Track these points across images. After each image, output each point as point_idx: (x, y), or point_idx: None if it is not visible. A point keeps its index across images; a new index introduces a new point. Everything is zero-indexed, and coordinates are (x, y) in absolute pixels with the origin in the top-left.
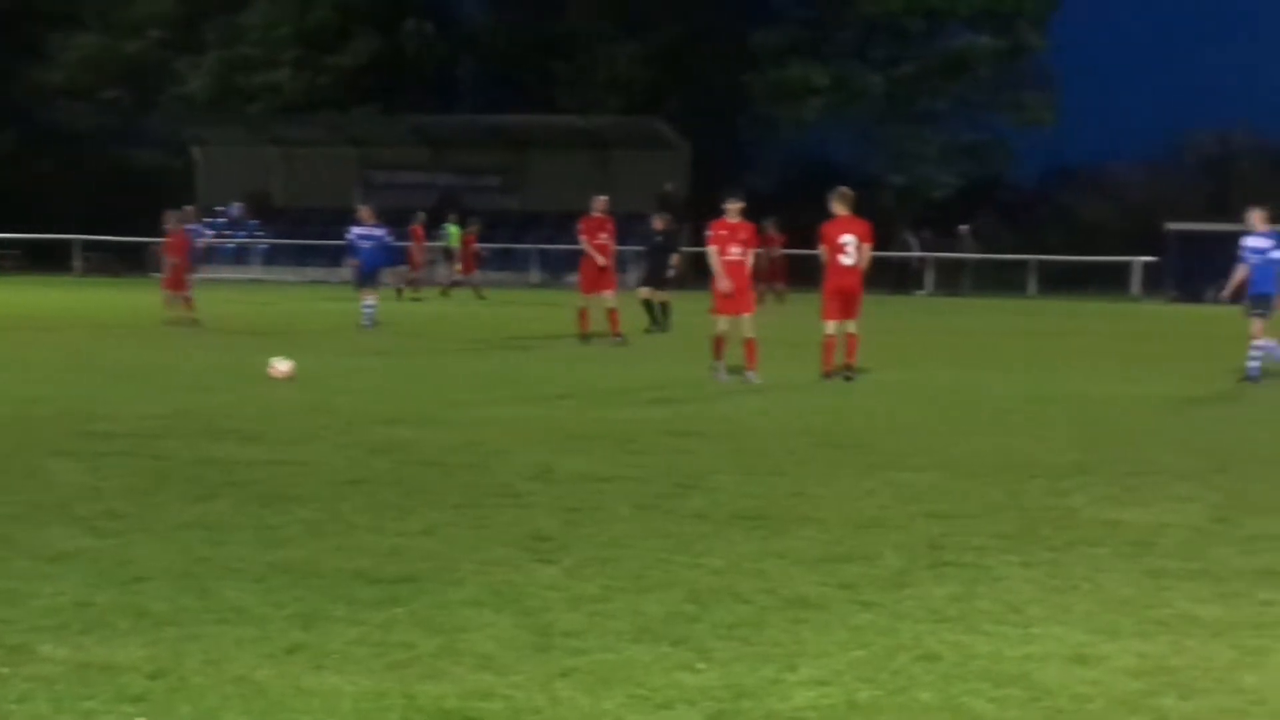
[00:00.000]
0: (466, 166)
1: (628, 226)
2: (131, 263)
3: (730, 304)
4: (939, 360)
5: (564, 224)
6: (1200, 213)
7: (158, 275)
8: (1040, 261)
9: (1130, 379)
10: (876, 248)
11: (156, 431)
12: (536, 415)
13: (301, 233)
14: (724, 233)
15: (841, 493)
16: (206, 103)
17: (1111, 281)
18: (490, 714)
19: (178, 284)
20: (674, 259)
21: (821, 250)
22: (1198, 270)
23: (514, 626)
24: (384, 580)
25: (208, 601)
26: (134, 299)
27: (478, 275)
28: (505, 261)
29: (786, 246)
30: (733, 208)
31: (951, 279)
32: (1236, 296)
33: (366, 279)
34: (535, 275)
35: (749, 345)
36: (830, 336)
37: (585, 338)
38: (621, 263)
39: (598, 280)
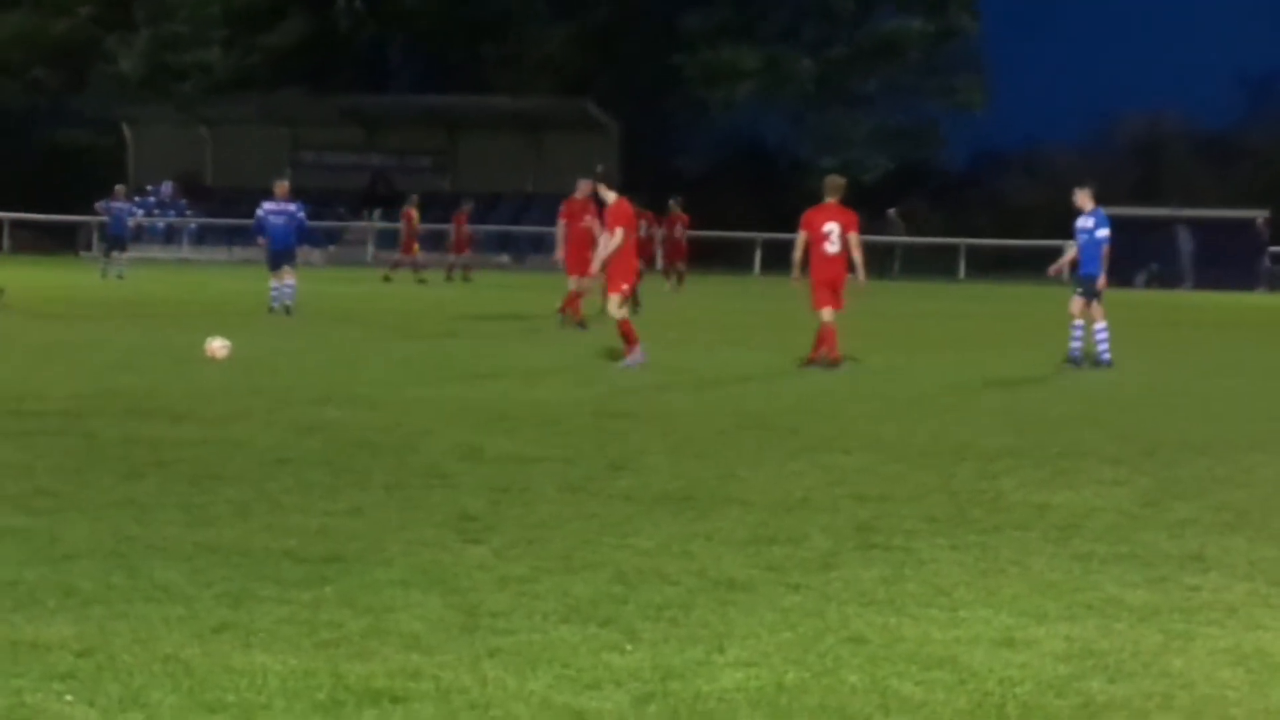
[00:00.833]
0: (398, 147)
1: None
2: (61, 240)
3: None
4: (868, 344)
5: (495, 204)
6: (1130, 197)
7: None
8: (969, 245)
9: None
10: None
11: (86, 410)
12: (465, 396)
13: (231, 212)
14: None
15: (770, 475)
16: (137, 82)
17: (1041, 265)
18: (418, 693)
19: None
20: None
21: (801, 236)
22: (1126, 255)
23: (442, 606)
24: (312, 560)
25: (136, 580)
26: (63, 277)
27: (468, 255)
28: (437, 243)
29: (691, 227)
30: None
31: (881, 263)
32: (1072, 273)
33: (278, 258)
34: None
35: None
36: (827, 324)
37: (580, 323)
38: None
39: (582, 264)
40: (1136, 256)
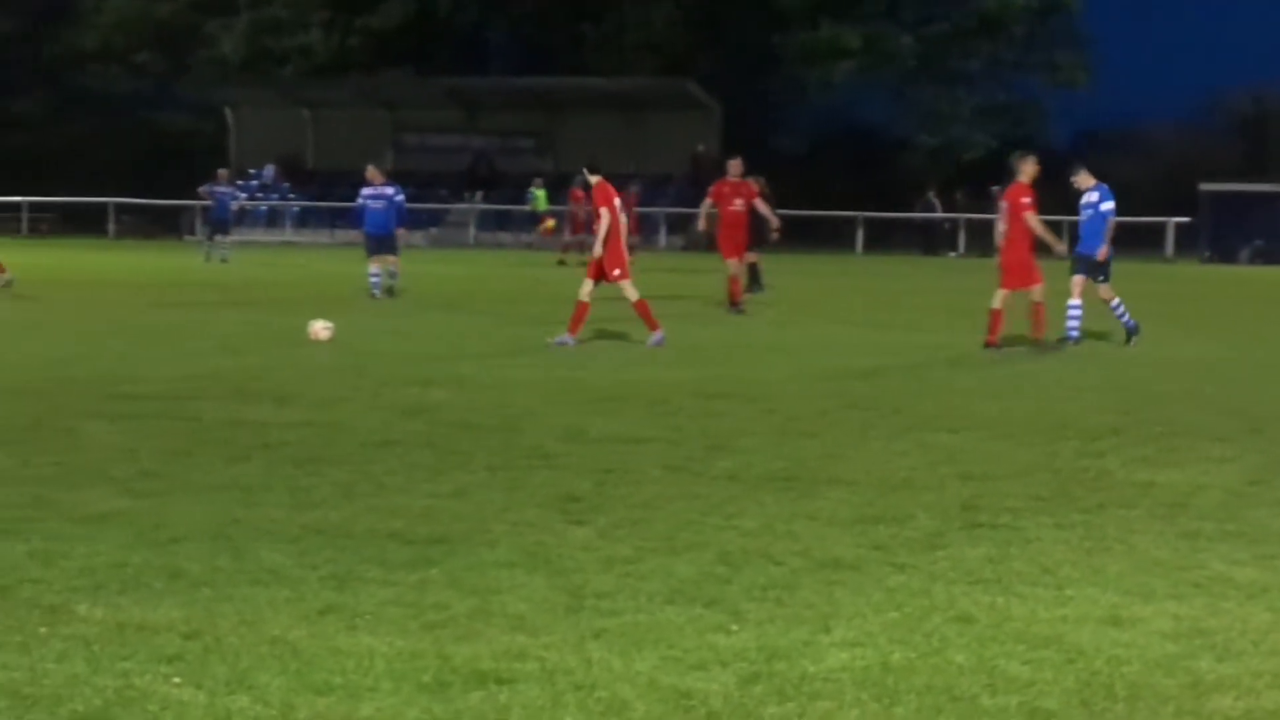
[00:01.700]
0: (499, 129)
1: (659, 188)
2: (165, 225)
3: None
4: (971, 322)
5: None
6: (1234, 173)
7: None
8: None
9: (1165, 340)
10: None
11: (190, 393)
12: (568, 377)
13: (333, 195)
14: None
15: (873, 454)
16: (238, 65)
17: (1145, 242)
18: (524, 675)
19: None
20: (774, 221)
21: (1001, 210)
22: (1232, 231)
23: (547, 588)
24: (417, 541)
25: (242, 562)
26: (167, 261)
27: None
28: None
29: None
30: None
31: (985, 240)
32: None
33: (377, 244)
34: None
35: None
36: (1037, 303)
37: (735, 306)
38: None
39: (736, 246)
40: (1241, 233)
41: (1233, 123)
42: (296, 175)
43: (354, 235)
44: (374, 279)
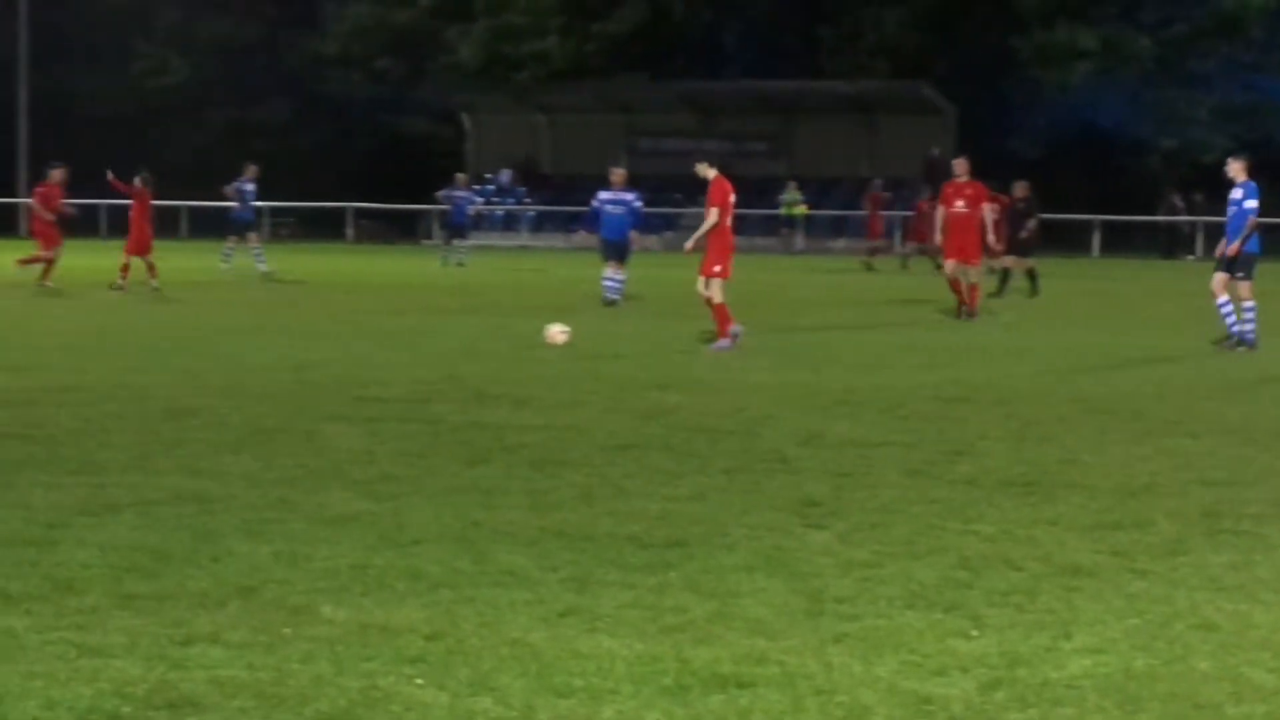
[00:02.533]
0: (734, 133)
1: (893, 191)
2: (403, 229)
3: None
4: (1211, 325)
5: (829, 189)
6: None
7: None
8: None
9: None
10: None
11: (429, 396)
12: (805, 381)
13: (569, 199)
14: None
15: (1113, 459)
16: (475, 71)
17: None
18: (764, 679)
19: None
20: (1030, 224)
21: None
22: None
23: (786, 591)
24: (655, 544)
25: (483, 565)
26: (405, 265)
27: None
28: (770, 227)
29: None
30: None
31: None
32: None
33: (613, 249)
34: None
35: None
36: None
37: (961, 310)
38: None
39: (961, 249)
40: None
41: None
42: (532, 180)
43: (591, 239)
44: (608, 283)
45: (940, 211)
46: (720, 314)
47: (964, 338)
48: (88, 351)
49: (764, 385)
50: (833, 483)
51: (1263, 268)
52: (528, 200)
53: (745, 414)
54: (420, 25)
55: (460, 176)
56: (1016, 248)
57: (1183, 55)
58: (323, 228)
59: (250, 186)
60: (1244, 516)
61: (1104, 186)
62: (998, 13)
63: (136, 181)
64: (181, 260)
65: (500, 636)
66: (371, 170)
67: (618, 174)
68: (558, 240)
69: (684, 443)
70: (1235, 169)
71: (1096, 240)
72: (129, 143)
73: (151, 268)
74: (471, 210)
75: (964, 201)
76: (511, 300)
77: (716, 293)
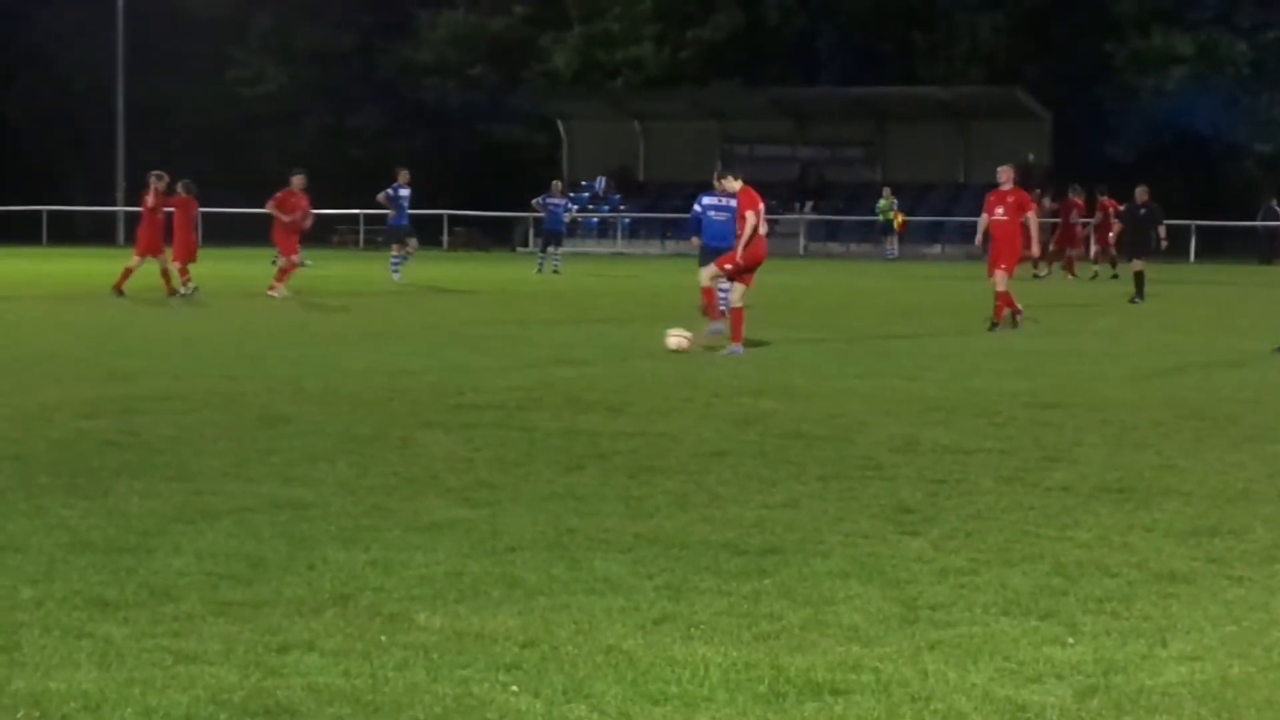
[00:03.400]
0: (828, 139)
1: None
2: (498, 236)
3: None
4: None
5: (923, 195)
6: None
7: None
8: None
9: None
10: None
11: (524, 403)
12: (899, 387)
13: (664, 206)
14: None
15: (1209, 465)
16: (570, 78)
17: None
18: (859, 686)
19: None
20: (1159, 230)
21: None
22: None
23: (881, 599)
24: (750, 551)
25: (577, 571)
26: (501, 272)
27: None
28: (865, 233)
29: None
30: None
31: None
32: None
33: (712, 255)
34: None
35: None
36: None
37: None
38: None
39: (998, 258)
40: None
41: None
42: (627, 186)
43: (685, 246)
44: (721, 292)
45: (983, 219)
46: (738, 318)
47: (1058, 343)
48: (183, 359)
49: (858, 391)
50: (927, 489)
51: None
52: (622, 207)
53: (839, 420)
54: (515, 32)
55: (556, 184)
56: (1146, 251)
57: (1279, 60)
58: (418, 235)
59: (405, 192)
60: None
61: (1200, 191)
62: (1093, 18)
63: (179, 189)
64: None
65: (595, 643)
66: (467, 177)
67: (728, 179)
68: (652, 247)
69: (778, 449)
70: None
71: (1193, 245)
72: (225, 151)
73: (184, 272)
74: (567, 217)
75: (1004, 209)
76: (606, 307)
77: (738, 298)
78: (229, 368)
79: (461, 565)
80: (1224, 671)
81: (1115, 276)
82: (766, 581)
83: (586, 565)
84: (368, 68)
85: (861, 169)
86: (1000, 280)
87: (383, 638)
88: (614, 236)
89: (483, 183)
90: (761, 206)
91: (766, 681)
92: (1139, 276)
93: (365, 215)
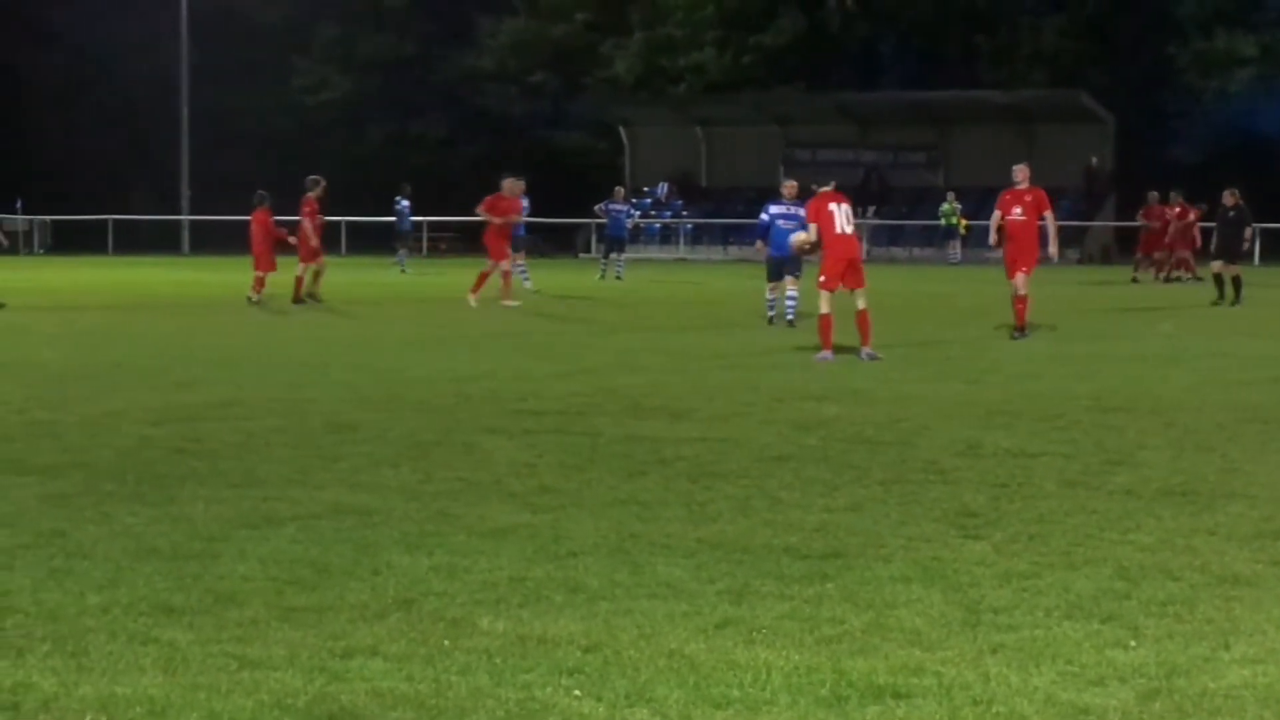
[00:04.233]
0: (891, 143)
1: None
2: (560, 242)
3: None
4: None
5: (986, 199)
6: None
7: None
8: None
9: None
10: None
11: (587, 409)
12: (962, 391)
13: (726, 212)
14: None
15: (1274, 468)
16: (632, 84)
17: None
18: (921, 690)
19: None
20: (1247, 232)
21: None
22: None
23: (943, 602)
24: (812, 556)
25: (640, 576)
26: (563, 278)
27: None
28: (928, 237)
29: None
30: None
31: None
32: None
33: (782, 266)
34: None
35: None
36: None
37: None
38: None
39: (1016, 259)
40: None
41: None
42: (690, 192)
43: (747, 252)
44: (772, 302)
45: (995, 217)
46: (826, 324)
47: (1121, 347)
48: (248, 366)
49: (920, 396)
50: (990, 493)
51: None
52: (685, 213)
53: (902, 425)
54: (576, 39)
55: (618, 189)
56: (1235, 254)
57: None
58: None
59: (524, 203)
60: None
61: (1265, 194)
62: (1156, 21)
63: (255, 201)
64: (340, 275)
65: (657, 648)
66: (529, 184)
67: (789, 185)
68: (715, 253)
69: (841, 454)
70: None
71: (1257, 248)
72: (288, 159)
73: (259, 282)
74: (629, 223)
75: (1022, 209)
76: (668, 313)
77: (826, 305)
78: (293, 375)
79: (524, 570)
80: None
81: (1197, 279)
82: (828, 585)
83: (649, 570)
84: (430, 75)
85: (924, 173)
86: (1021, 283)
87: (446, 642)
88: (676, 242)
89: (545, 189)
90: (832, 211)
91: (828, 685)
92: (1236, 280)
93: (429, 223)
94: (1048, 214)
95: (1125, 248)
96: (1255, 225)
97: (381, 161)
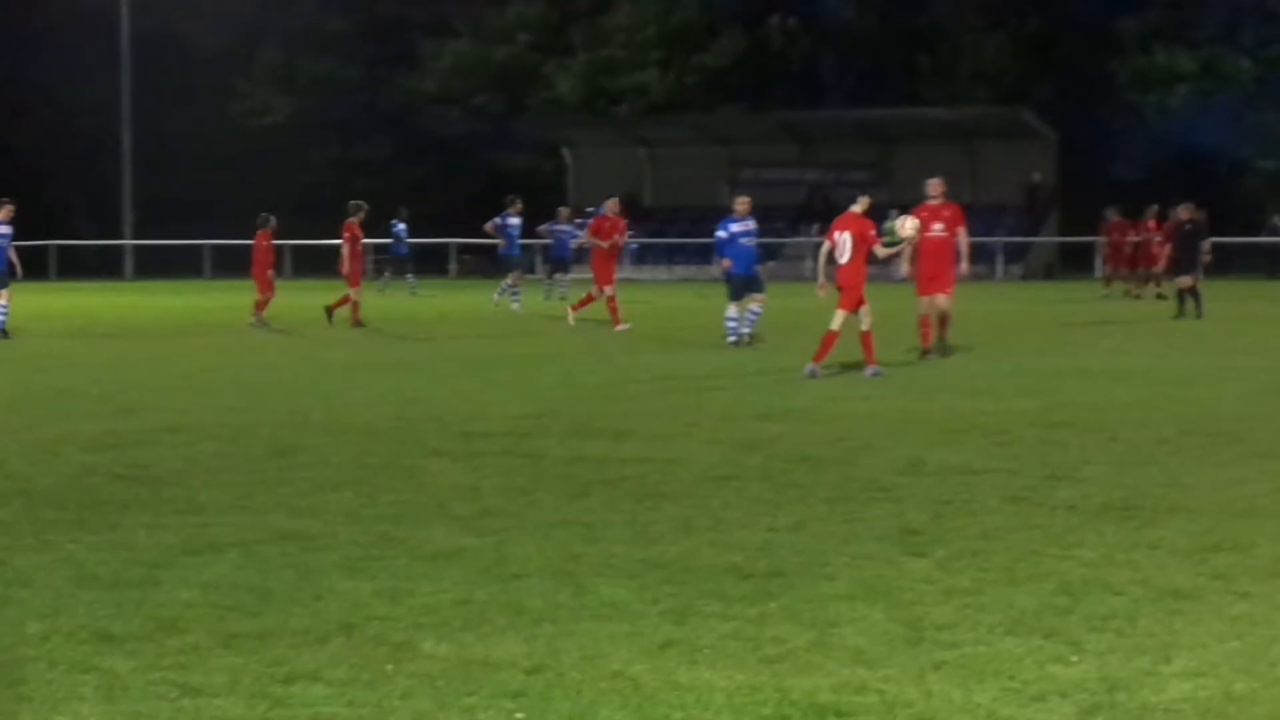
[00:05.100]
0: (834, 161)
1: (993, 217)
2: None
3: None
4: None
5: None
6: None
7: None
8: None
9: None
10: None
11: (530, 430)
12: (907, 408)
13: (670, 232)
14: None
15: (1214, 482)
16: (575, 105)
17: None
18: (863, 708)
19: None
20: (1205, 246)
21: None
22: None
23: (886, 620)
24: (755, 575)
25: (583, 598)
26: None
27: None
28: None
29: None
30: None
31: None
32: None
33: (745, 284)
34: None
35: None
36: None
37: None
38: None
39: (934, 278)
40: None
41: None
42: (634, 212)
43: (692, 271)
44: (733, 324)
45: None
46: (867, 341)
47: (1067, 362)
48: (190, 392)
49: (866, 413)
50: (933, 510)
51: None
52: (630, 233)
53: (846, 443)
54: (519, 61)
55: (564, 210)
56: (1194, 268)
57: None
58: (425, 264)
59: (515, 221)
60: None
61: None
62: (1095, 38)
63: (258, 224)
64: (285, 298)
65: (601, 670)
66: (472, 205)
67: (742, 202)
68: (660, 272)
69: (784, 473)
70: None
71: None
72: (232, 183)
73: (260, 305)
74: (574, 244)
75: (942, 225)
76: (613, 334)
77: (866, 321)
78: (236, 400)
79: (468, 593)
80: (1228, 687)
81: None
82: (772, 605)
83: (592, 591)
84: (373, 98)
85: (868, 191)
86: (945, 303)
87: (389, 667)
88: (622, 263)
89: (489, 211)
90: (842, 234)
91: (771, 705)
92: (1193, 292)
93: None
94: (961, 230)
95: (1069, 264)
96: (1211, 240)
97: (325, 185)
